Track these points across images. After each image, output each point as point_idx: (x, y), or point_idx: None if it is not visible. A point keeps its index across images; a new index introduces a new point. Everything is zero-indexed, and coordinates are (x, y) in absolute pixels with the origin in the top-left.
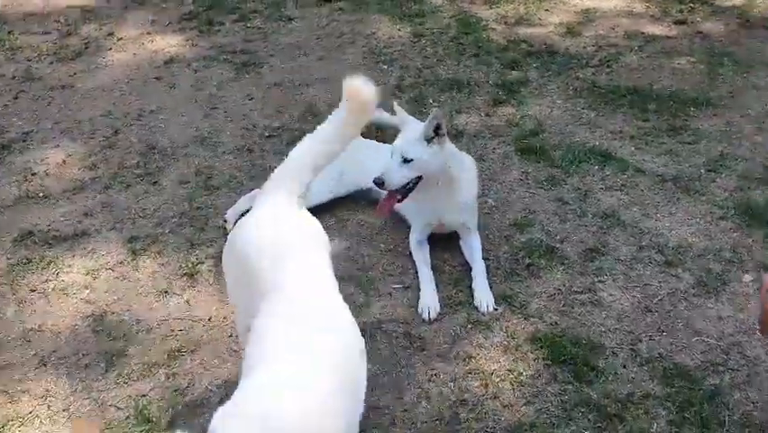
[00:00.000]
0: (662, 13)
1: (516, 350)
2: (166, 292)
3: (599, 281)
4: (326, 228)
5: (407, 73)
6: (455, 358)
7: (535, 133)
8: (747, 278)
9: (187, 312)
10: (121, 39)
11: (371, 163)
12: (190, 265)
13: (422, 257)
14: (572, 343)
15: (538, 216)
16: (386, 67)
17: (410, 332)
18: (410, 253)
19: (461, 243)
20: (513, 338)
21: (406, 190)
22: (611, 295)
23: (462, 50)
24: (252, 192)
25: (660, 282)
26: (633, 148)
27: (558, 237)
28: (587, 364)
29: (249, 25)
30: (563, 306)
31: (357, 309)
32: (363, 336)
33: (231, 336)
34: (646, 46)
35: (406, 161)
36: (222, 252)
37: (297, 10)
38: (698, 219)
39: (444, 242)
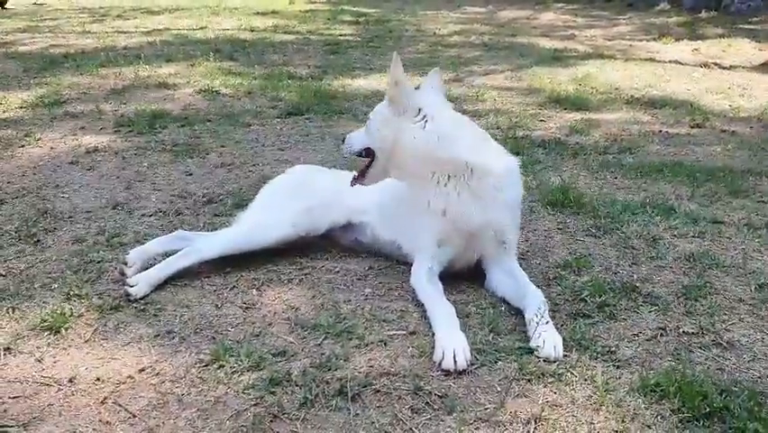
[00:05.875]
0: (674, 121)
1: (619, 406)
2: (7, 350)
3: (720, 321)
4: (280, 281)
5: None
6: (513, 422)
7: (563, 190)
8: None
9: (34, 373)
10: (39, 139)
11: (354, 197)
12: (57, 318)
13: (434, 292)
14: (718, 392)
15: (596, 259)
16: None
17: (423, 387)
18: (413, 294)
19: (491, 279)
20: (608, 391)
21: (364, 167)
22: (746, 336)
23: None
24: (175, 233)
25: None
26: (696, 205)
27: (636, 277)
28: (758, 419)
29: (197, 128)
30: (676, 349)
31: (326, 364)
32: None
33: (103, 401)
34: (668, 140)
35: None
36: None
37: (258, 120)
38: None
39: (462, 282)
